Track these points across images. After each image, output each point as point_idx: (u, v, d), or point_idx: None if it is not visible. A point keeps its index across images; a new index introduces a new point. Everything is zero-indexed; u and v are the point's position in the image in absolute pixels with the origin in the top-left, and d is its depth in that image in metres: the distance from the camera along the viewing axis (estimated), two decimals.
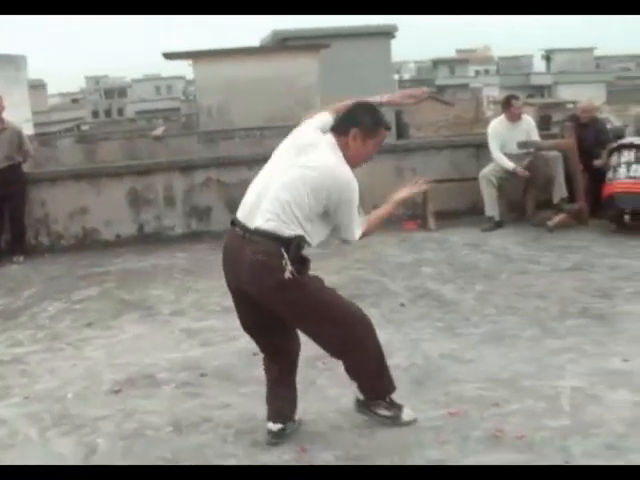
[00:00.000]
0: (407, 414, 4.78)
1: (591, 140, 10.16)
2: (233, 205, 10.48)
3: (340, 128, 4.51)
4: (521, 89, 58.23)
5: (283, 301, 4.40)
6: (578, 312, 6.79)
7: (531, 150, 10.09)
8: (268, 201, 4.35)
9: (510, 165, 10.02)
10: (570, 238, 9.39)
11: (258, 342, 4.85)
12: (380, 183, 10.58)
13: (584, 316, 6.68)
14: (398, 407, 4.80)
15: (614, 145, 9.68)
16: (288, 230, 4.30)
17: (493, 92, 61.39)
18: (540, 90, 61.78)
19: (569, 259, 8.50)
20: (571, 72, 60.04)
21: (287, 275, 4.27)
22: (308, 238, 4.41)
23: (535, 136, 10.29)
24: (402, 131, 38.69)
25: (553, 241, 9.34)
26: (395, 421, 4.74)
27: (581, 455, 4.27)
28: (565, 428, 4.61)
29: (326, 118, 4.63)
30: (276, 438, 4.64)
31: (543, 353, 5.87)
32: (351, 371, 4.83)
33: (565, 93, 55.11)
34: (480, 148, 10.73)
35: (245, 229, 4.39)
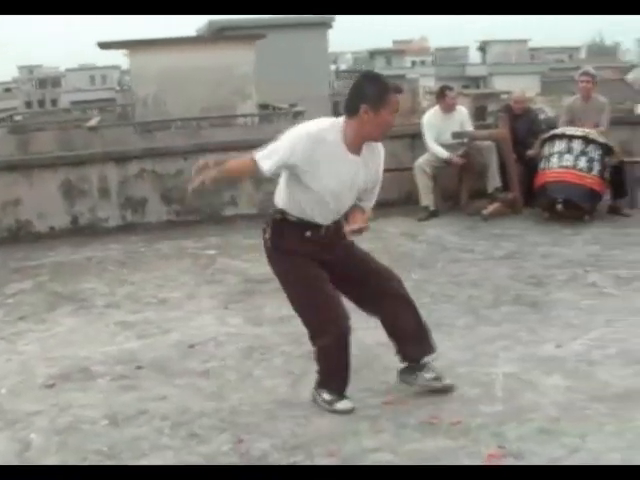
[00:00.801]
0: (343, 404, 4.79)
1: (524, 130, 10.30)
2: (168, 196, 10.45)
3: (350, 108, 4.52)
4: (457, 80, 58.68)
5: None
6: (512, 300, 6.89)
7: (465, 140, 10.19)
8: None
9: (445, 154, 10.10)
10: (504, 227, 9.51)
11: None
12: None
13: (517, 303, 6.78)
14: (337, 396, 4.81)
15: (546, 135, 9.81)
16: (275, 204, 4.73)
17: (429, 83, 61.78)
18: (475, 81, 62.37)
19: (503, 247, 8.61)
20: (506, 63, 60.76)
21: (265, 245, 4.83)
22: (287, 208, 4.67)
23: (469, 126, 10.39)
24: None
25: (487, 230, 9.45)
26: (329, 408, 4.77)
27: (515, 440, 4.34)
28: (500, 414, 4.68)
29: None
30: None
31: (477, 341, 5.94)
32: (314, 354, 4.93)
33: (500, 84, 55.69)
34: (415, 138, 10.78)
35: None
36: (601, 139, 9.48)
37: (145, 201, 10.59)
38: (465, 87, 57.34)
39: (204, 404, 5.04)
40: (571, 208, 9.39)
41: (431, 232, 9.49)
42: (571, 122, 9.92)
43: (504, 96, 49.68)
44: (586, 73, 10.22)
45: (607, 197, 9.84)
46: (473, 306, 6.75)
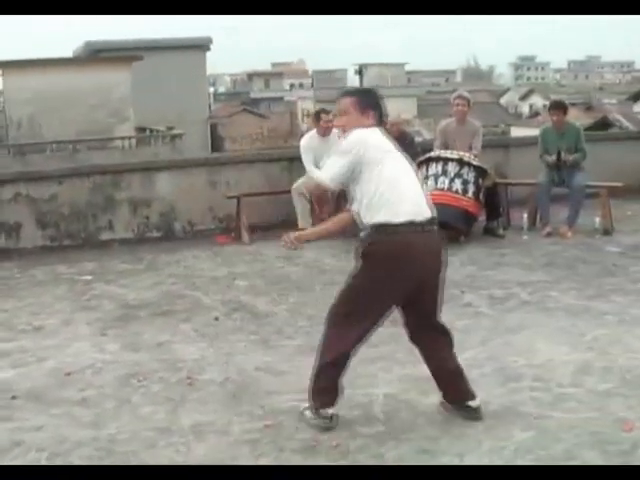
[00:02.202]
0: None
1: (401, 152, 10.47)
2: (44, 221, 10.22)
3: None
4: (333, 102, 59.34)
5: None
6: (389, 321, 6.94)
7: None
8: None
9: None
10: None
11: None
12: (195, 197, 10.61)
13: (395, 325, 6.85)
14: (323, 419, 4.87)
15: (422, 158, 10.01)
16: None
17: (308, 105, 62.34)
18: None
19: None
20: (383, 86, 61.65)
21: None
22: None
23: None
24: (217, 144, 38.59)
25: None
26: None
27: (395, 460, 4.40)
28: (379, 434, 4.74)
29: None
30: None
31: (356, 362, 5.95)
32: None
33: None
34: (293, 161, 10.87)
35: (424, 223, 4.79)
36: (475, 162, 9.75)
37: (20, 226, 10.32)
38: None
39: (81, 433, 4.94)
40: (447, 230, 9.57)
41: (309, 255, 9.53)
42: (445, 145, 10.16)
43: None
44: (460, 96, 10.50)
45: (482, 218, 10.10)
46: None
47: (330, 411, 4.86)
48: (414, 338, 5.21)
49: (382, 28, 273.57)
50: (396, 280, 4.82)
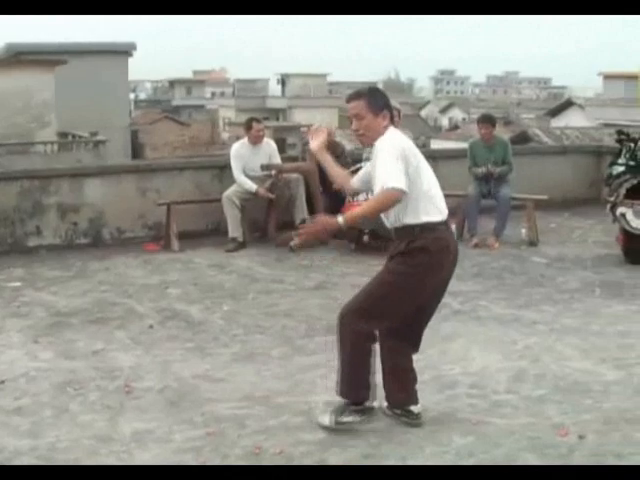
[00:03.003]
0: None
1: None
2: None
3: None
4: (257, 112, 59.20)
5: None
6: (325, 329, 7.00)
7: (273, 172, 10.32)
8: None
9: (252, 186, 10.19)
10: (311, 258, 9.68)
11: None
12: (124, 204, 10.50)
13: (330, 333, 6.83)
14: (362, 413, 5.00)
15: (354, 168, 10.06)
16: None
17: (229, 114, 62.24)
18: (275, 113, 63.32)
19: (312, 278, 8.78)
20: (305, 97, 61.99)
21: None
22: None
23: (277, 159, 10.54)
24: (138, 151, 38.22)
25: (296, 261, 9.60)
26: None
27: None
28: (322, 441, 4.77)
29: None
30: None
31: (294, 370, 6.03)
32: None
33: (299, 117, 56.77)
34: (224, 169, 10.84)
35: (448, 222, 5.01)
36: None
37: None
38: (265, 119, 58.04)
39: (19, 442, 4.85)
40: (377, 239, 9.69)
41: (240, 263, 9.53)
42: None
43: (304, 129, 50.78)
44: (395, 108, 10.60)
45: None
46: (287, 336, 6.85)
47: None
48: (387, 339, 5.11)
49: (304, 39, 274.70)
50: (433, 277, 4.93)
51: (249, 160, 10.30)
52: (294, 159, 11.16)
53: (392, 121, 4.94)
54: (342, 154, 10.96)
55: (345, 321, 4.94)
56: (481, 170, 10.40)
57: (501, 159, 10.44)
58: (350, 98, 4.99)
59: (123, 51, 32.07)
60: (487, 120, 10.71)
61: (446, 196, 10.53)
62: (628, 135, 9.59)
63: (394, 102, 11.39)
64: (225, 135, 56.86)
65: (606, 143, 24.87)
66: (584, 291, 8.36)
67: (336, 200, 10.31)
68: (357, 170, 9.85)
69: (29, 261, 9.71)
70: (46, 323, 7.32)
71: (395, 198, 4.64)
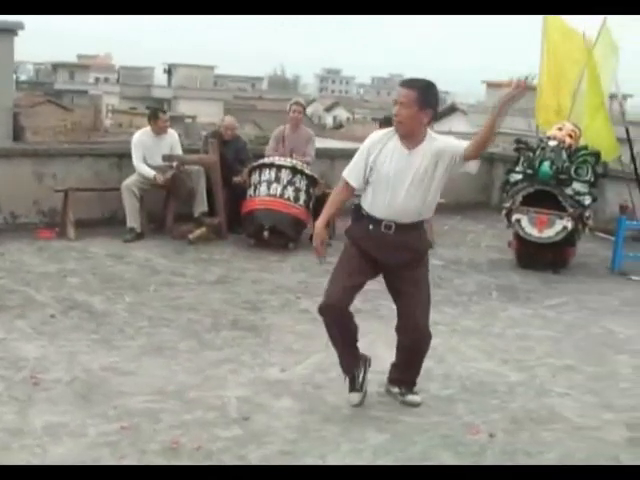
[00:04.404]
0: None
1: (232, 157, 10.50)
2: None
3: None
4: (142, 100, 58.46)
5: None
6: (230, 324, 7.00)
7: (174, 164, 10.18)
8: None
9: (151, 173, 9.99)
10: (211, 252, 9.60)
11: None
12: (19, 188, 10.19)
13: (236, 328, 6.90)
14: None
15: (255, 163, 10.06)
16: None
17: (113, 100, 61.13)
18: (160, 102, 62.42)
19: (213, 272, 8.71)
20: (192, 88, 61.36)
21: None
22: (362, 202, 5.25)
23: (179, 150, 10.40)
24: (18, 134, 37.14)
25: (195, 254, 9.50)
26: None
27: (260, 462, 4.42)
28: (239, 437, 4.76)
29: None
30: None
31: (204, 364, 5.98)
32: None
33: (184, 107, 56.15)
34: (122, 158, 10.63)
35: None
36: (308, 170, 9.90)
37: None
38: (148, 108, 57.17)
39: None
40: (277, 235, 9.70)
41: (139, 254, 9.36)
42: (278, 150, 10.26)
43: (188, 120, 50.29)
44: (297, 103, 10.64)
45: (309, 226, 10.24)
46: (194, 330, 6.77)
47: None
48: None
49: (191, 30, 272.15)
50: None
51: (151, 150, 10.13)
52: (196, 151, 11.03)
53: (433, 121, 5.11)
54: (244, 148, 10.94)
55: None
56: None
57: None
58: (404, 84, 5.07)
59: (9, 29, 30.97)
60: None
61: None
62: (526, 144, 9.86)
63: (298, 98, 11.50)
64: (108, 122, 55.81)
65: (489, 150, 25.62)
66: (481, 294, 8.57)
67: (236, 194, 10.28)
68: (259, 166, 9.95)
69: None
70: None
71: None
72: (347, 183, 5.25)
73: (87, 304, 7.35)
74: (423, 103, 4.95)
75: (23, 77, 74.47)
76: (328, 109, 75.02)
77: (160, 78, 72.39)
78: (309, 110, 72.15)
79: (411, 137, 5.05)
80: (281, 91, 79.76)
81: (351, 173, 5.23)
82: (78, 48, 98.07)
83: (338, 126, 61.67)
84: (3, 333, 6.46)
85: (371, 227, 5.18)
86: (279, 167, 9.82)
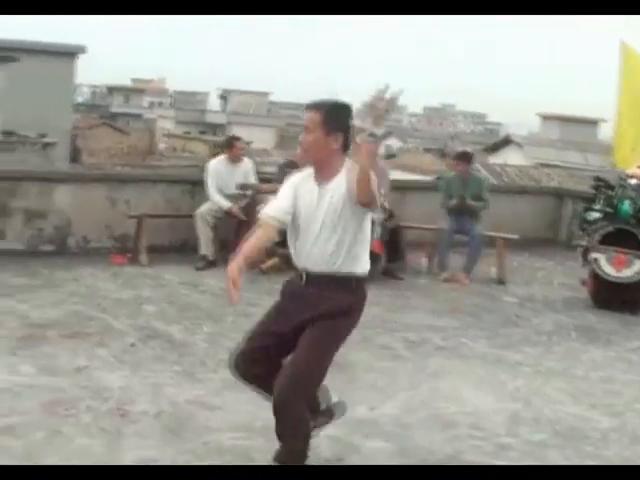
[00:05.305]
0: None
1: None
2: None
3: None
4: (196, 125, 58.96)
5: None
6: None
7: (249, 192, 10.15)
8: None
9: (226, 205, 10.01)
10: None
11: None
12: (92, 213, 10.22)
13: None
14: None
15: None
16: None
17: (167, 125, 61.65)
18: (214, 128, 62.82)
19: None
20: (245, 114, 61.66)
21: None
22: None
23: (253, 179, 10.38)
24: (75, 156, 37.61)
25: (268, 284, 9.37)
26: None
27: None
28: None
29: None
30: None
31: None
32: None
33: (238, 134, 56.25)
34: (196, 185, 10.63)
35: None
36: (384, 204, 9.79)
37: None
38: (202, 133, 57.71)
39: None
40: None
41: (212, 282, 9.31)
42: None
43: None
44: (371, 134, 10.54)
45: (383, 259, 10.14)
46: None
47: None
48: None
49: (245, 56, 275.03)
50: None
51: (226, 178, 10.12)
52: (269, 180, 10.98)
53: (348, 147, 4.34)
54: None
55: None
56: (453, 201, 10.37)
57: (476, 195, 10.45)
58: (308, 107, 4.41)
59: (71, 53, 31.46)
60: (463, 157, 10.74)
61: (418, 229, 10.72)
62: (606, 182, 9.69)
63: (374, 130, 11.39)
64: (162, 146, 56.27)
65: (545, 183, 25.35)
66: (560, 334, 8.40)
67: None
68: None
69: None
70: (21, 334, 7.01)
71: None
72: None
73: (166, 334, 7.29)
74: (330, 127, 4.27)
75: (79, 99, 75.33)
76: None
77: (213, 103, 72.99)
78: (358, 139, 72.20)
79: (322, 169, 4.36)
80: None
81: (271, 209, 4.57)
82: (132, 72, 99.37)
83: (391, 155, 61.59)
84: (85, 361, 6.42)
85: (293, 275, 4.59)
86: None
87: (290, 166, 10.64)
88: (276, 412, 4.39)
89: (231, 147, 10.24)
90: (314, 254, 4.39)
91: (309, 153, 4.39)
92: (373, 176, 4.10)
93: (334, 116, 4.31)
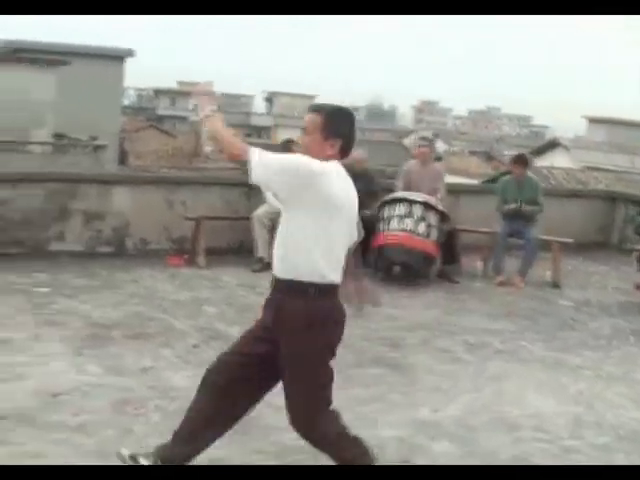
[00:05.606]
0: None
1: (362, 190, 10.42)
2: None
3: None
4: (241, 128, 59.21)
5: None
6: (372, 361, 6.94)
7: None
8: None
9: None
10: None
11: None
12: (150, 214, 10.34)
13: (379, 365, 6.83)
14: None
15: (388, 198, 10.02)
16: None
17: None
18: (259, 130, 63.20)
19: (345, 307, 8.63)
20: (291, 116, 61.87)
21: None
22: None
23: None
24: (122, 158, 38.01)
25: None
26: None
27: None
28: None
29: None
30: None
31: (352, 402, 5.90)
32: None
33: (284, 136, 56.49)
34: (252, 187, 10.67)
35: None
36: (440, 207, 9.82)
37: None
38: (248, 135, 57.96)
39: (90, 463, 4.67)
40: (406, 271, 9.62)
41: (269, 284, 9.34)
42: (408, 186, 10.19)
43: None
44: (424, 138, 10.60)
45: (438, 262, 10.16)
46: (337, 366, 6.68)
47: None
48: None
49: (291, 56, 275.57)
50: None
51: None
52: None
53: (345, 154, 4.29)
54: (372, 180, 10.89)
55: None
56: (510, 206, 10.35)
57: (532, 198, 10.42)
58: (310, 109, 4.33)
59: (120, 56, 31.82)
60: (521, 160, 10.72)
61: (473, 232, 10.72)
62: None
63: (426, 133, 11.48)
64: (208, 148, 56.55)
65: (593, 187, 25.12)
66: (618, 338, 8.36)
67: (366, 227, 10.21)
68: (392, 200, 9.90)
69: (50, 266, 9.48)
70: (85, 334, 7.13)
71: (239, 156, 4.08)
72: None
73: (228, 335, 7.32)
74: (329, 131, 4.14)
75: (126, 102, 75.99)
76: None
77: (258, 106, 73.30)
78: (407, 141, 72.21)
79: None
80: (378, 121, 79.95)
81: None
82: (178, 75, 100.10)
83: (437, 158, 61.45)
84: (150, 361, 6.51)
85: None
86: (411, 202, 9.77)
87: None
88: (315, 447, 4.39)
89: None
90: (275, 254, 4.38)
91: (305, 155, 4.18)
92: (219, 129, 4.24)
93: (334, 121, 4.21)
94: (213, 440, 4.43)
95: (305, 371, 4.31)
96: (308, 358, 4.32)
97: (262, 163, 4.01)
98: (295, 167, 4.02)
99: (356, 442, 4.36)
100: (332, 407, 4.41)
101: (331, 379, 4.48)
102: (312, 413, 4.32)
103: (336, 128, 4.19)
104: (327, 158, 4.16)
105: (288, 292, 4.28)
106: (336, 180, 4.16)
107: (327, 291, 4.25)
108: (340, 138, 4.19)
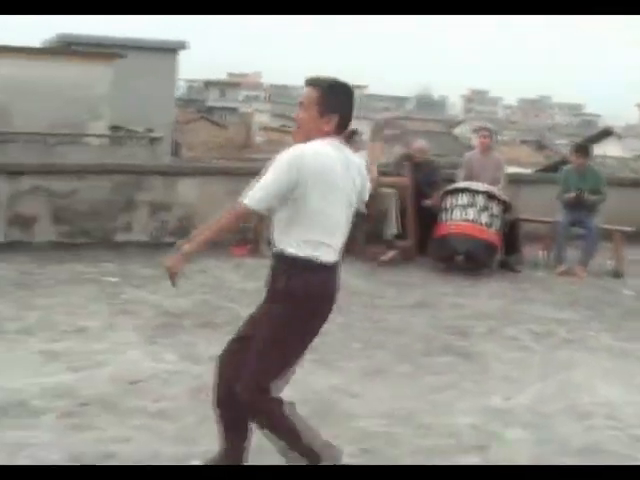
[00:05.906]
0: None
1: (423, 180, 10.51)
2: (60, 216, 9.97)
3: None
4: (291, 119, 59.26)
5: None
6: (442, 349, 7.00)
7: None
8: None
9: None
10: (402, 274, 9.63)
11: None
12: (214, 205, 10.43)
13: (449, 354, 6.89)
14: None
15: (450, 187, 10.05)
16: None
17: (263, 118, 62.20)
18: None
19: (411, 295, 8.73)
20: None
21: None
22: None
23: (373, 172, 10.47)
24: (175, 150, 38.32)
25: (387, 277, 9.54)
26: None
27: None
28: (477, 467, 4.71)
29: None
30: None
31: (426, 389, 5.99)
32: None
33: None
34: None
35: None
36: (502, 196, 9.83)
37: (34, 220, 10.00)
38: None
39: (172, 449, 4.80)
40: (470, 261, 9.65)
41: None
42: (469, 176, 10.21)
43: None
44: (484, 128, 10.60)
45: (501, 252, 10.18)
46: (407, 354, 6.79)
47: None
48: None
49: (337, 48, 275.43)
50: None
51: None
52: (384, 174, 11.07)
53: (342, 130, 4.12)
54: (434, 170, 10.91)
55: None
56: (571, 195, 10.28)
57: (593, 188, 10.37)
58: (306, 82, 4.14)
59: (173, 49, 32.11)
60: (582, 150, 10.68)
61: (535, 222, 10.69)
62: None
63: (486, 123, 11.47)
64: (258, 139, 56.81)
65: None
66: None
67: (425, 217, 10.28)
68: (454, 191, 9.93)
69: (118, 256, 9.68)
70: (157, 323, 7.29)
71: (237, 215, 4.20)
72: None
73: None
74: (326, 107, 4.02)
75: (177, 94, 76.71)
76: (476, 130, 74.24)
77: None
78: (457, 131, 71.88)
79: None
80: (428, 111, 79.51)
81: None
82: (228, 67, 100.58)
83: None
84: (219, 349, 6.60)
85: None
86: (474, 192, 9.79)
87: (406, 159, 10.78)
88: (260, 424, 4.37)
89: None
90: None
91: (299, 132, 4.11)
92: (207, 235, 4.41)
93: (332, 96, 4.07)
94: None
95: (277, 334, 4.22)
96: (272, 321, 4.26)
97: (254, 193, 4.05)
98: (286, 164, 3.96)
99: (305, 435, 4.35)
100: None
101: (297, 356, 4.36)
102: (264, 382, 4.24)
103: (333, 103, 4.06)
104: (323, 135, 4.04)
105: (282, 265, 4.25)
106: (327, 156, 4.01)
107: (318, 266, 4.17)
108: (337, 114, 4.05)
